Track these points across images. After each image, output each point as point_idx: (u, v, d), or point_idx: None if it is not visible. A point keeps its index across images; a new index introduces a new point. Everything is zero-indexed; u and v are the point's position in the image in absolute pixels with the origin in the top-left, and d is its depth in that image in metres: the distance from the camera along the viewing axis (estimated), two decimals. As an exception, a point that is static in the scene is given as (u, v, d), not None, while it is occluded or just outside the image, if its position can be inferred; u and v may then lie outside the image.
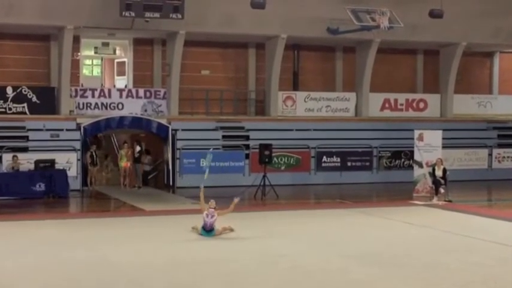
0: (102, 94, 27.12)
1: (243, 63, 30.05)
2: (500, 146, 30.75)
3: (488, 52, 33.55)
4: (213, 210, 15.43)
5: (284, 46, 28.17)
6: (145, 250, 14.23)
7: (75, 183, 24.79)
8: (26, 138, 25.19)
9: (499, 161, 30.48)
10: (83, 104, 26.75)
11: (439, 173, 22.60)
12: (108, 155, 28.46)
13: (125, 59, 29.15)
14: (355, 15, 26.48)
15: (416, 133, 24.44)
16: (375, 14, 26.34)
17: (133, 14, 24.52)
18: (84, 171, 25.60)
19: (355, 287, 11.53)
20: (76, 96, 26.70)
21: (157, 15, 24.69)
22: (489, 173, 30.09)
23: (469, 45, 30.46)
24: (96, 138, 28.36)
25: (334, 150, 28.31)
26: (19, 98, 25.91)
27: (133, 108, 27.14)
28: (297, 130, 28.46)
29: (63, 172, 23.90)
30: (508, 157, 30.58)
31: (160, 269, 12.53)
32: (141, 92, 27.60)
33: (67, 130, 25.70)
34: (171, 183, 26.35)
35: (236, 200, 15.83)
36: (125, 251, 14.11)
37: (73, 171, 24.89)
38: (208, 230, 15.43)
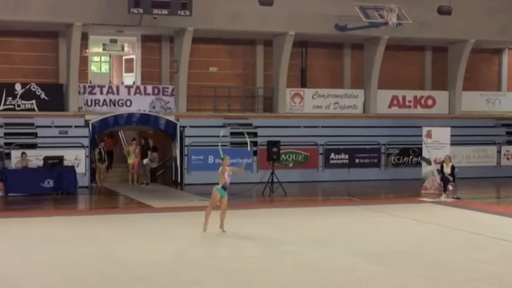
0: (110, 91, 27.15)
1: (251, 60, 30.04)
2: (508, 143, 30.64)
3: (497, 49, 33.43)
4: (229, 169, 15.65)
5: (292, 43, 28.14)
6: (153, 247, 14.27)
7: (83, 180, 24.86)
8: (35, 135, 25.29)
9: (507, 158, 30.38)
10: (91, 100, 26.80)
11: (447, 170, 22.56)
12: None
13: (133, 56, 29.19)
14: (363, 12, 26.45)
15: (425, 130, 24.40)
16: (383, 11, 26.32)
17: (141, 11, 24.56)
18: (93, 167, 25.66)
19: (360, 284, 11.53)
20: (84, 93, 26.74)
21: (165, 12, 24.72)
22: (498, 170, 29.99)
23: (477, 42, 30.36)
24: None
25: (342, 147, 28.28)
26: (28, 95, 25.99)
27: (141, 105, 27.16)
28: (304, 127, 28.46)
29: (71, 169, 23.99)
30: (516, 154, 30.52)
31: (167, 266, 12.56)
32: (149, 88, 27.63)
33: (75, 127, 25.77)
34: (179, 180, 26.38)
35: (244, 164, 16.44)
36: (133, 248, 14.15)
37: (81, 168, 24.95)
38: (226, 189, 15.64)
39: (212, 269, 12.39)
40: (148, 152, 26.89)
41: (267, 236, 15.37)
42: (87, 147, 25.36)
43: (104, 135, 26.97)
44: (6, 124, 25.15)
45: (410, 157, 28.92)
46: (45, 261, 12.98)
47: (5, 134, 24.89)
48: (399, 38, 29.07)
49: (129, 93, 27.34)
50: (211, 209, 15.58)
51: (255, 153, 27.18)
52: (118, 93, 27.20)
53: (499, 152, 30.26)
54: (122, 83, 29.00)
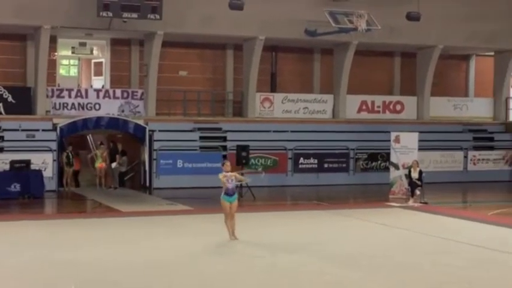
0: (79, 94, 26.96)
1: (221, 64, 30.02)
2: (475, 148, 31.00)
3: (465, 55, 33.80)
4: (229, 174, 15.40)
5: (262, 47, 28.20)
6: (122, 251, 14.19)
7: (50, 184, 24.66)
8: (2, 138, 25.05)
9: (474, 163, 30.71)
10: (60, 104, 26.58)
11: (415, 175, 22.70)
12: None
13: (102, 59, 29.03)
14: (333, 17, 26.57)
15: (393, 135, 24.55)
16: (353, 16, 26.46)
17: (110, 14, 24.42)
18: (60, 171, 25.44)
19: (330, 288, 11.58)
20: (52, 96, 26.52)
21: (135, 15, 24.60)
22: (464, 175, 30.30)
23: (445, 48, 30.68)
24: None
25: (311, 151, 28.38)
26: (-5, 98, 25.73)
27: (110, 108, 27.02)
28: (274, 131, 28.51)
29: (38, 173, 23.77)
30: (483, 159, 30.84)
31: (136, 270, 12.49)
32: (118, 92, 27.48)
33: (43, 130, 25.56)
34: (147, 184, 26.28)
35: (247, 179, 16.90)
36: (101, 252, 14.05)
37: (49, 172, 24.75)
38: (231, 195, 15.41)
39: (183, 273, 12.34)
40: (117, 156, 26.75)
41: (236, 240, 15.33)
42: (54, 151, 25.15)
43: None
44: (-27, 127, 24.88)
45: (379, 162, 29.09)
46: (14, 266, 12.81)
47: (-28, 137, 24.64)
48: (368, 44, 29.26)
49: (98, 96, 27.18)
50: (227, 218, 15.40)
51: (224, 157, 27.15)
52: (87, 96, 27.03)
53: (465, 157, 30.58)
54: (91, 86, 28.82)
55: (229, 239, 15.20)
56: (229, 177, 15.36)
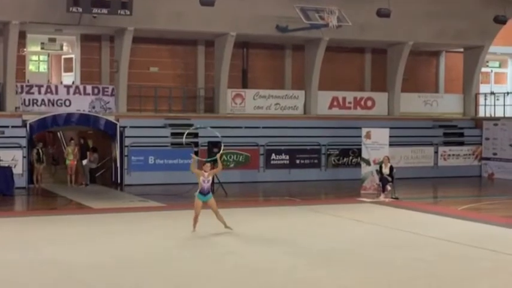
0: (48, 90, 26.73)
1: (192, 60, 29.95)
2: (445, 144, 31.25)
3: (435, 51, 34.04)
4: (207, 174, 15.63)
5: (233, 44, 28.17)
6: (92, 249, 14.11)
7: (20, 181, 24.41)
8: (-30, 135, 24.76)
9: (444, 159, 30.96)
10: (29, 100, 26.35)
11: (386, 170, 22.83)
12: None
13: (72, 55, 28.82)
14: (304, 13, 26.62)
15: (364, 131, 24.67)
16: (324, 13, 26.53)
17: (80, 10, 24.22)
18: (30, 168, 25.23)
19: (301, 285, 11.59)
20: (22, 92, 26.28)
21: (105, 11, 24.43)
22: (435, 171, 30.54)
23: (415, 44, 30.87)
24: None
25: (283, 147, 28.43)
26: (-37, 94, 25.43)
27: (80, 105, 26.82)
28: (246, 128, 28.51)
29: (8, 169, 23.53)
30: (453, 155, 31.10)
31: (106, 268, 12.43)
32: (89, 88, 27.29)
33: (12, 127, 25.30)
34: (118, 180, 26.16)
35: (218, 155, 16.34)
36: (72, 250, 13.96)
37: (18, 169, 24.52)
38: (205, 194, 15.62)
39: (152, 272, 12.29)
40: (88, 153, 26.58)
41: (208, 237, 15.34)
42: (24, 147, 24.93)
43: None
44: None
45: (350, 158, 29.22)
46: (-19, 264, 12.70)
47: None
48: (339, 40, 29.35)
49: (68, 93, 26.97)
50: (196, 216, 15.58)
51: (196, 153, 27.09)
52: (57, 92, 26.80)
53: (436, 152, 30.82)
54: (61, 82, 28.60)
55: (191, 231, 15.43)
56: (206, 177, 15.39)
